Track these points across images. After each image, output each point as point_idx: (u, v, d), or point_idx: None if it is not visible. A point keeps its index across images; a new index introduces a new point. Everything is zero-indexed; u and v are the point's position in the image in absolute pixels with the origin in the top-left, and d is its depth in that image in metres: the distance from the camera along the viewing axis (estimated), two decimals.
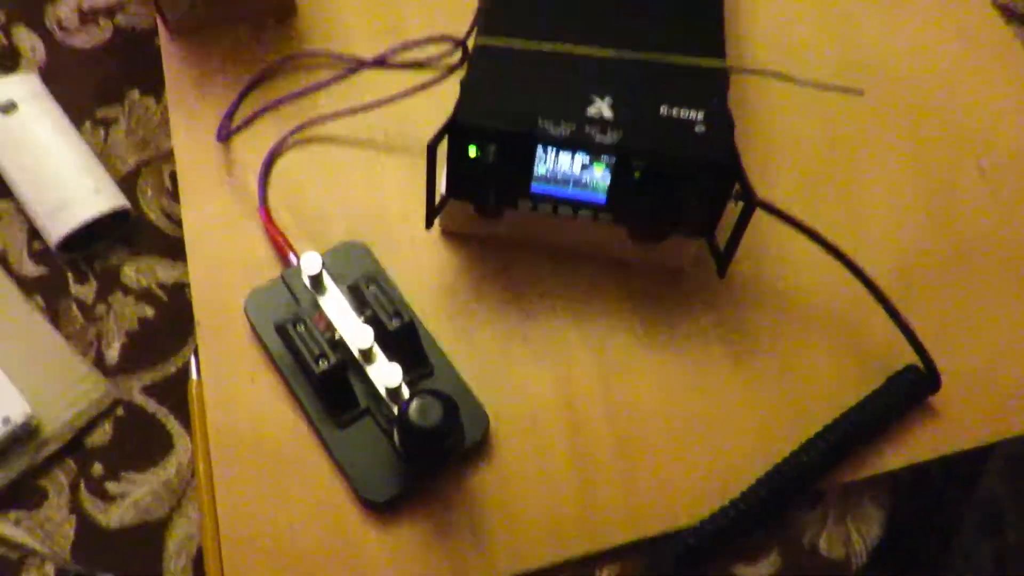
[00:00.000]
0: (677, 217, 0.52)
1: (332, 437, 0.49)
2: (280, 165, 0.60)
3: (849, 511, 0.52)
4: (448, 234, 0.58)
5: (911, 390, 0.52)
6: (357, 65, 0.64)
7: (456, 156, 0.51)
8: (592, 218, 0.53)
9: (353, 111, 0.61)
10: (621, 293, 0.56)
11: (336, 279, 0.52)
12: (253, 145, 0.60)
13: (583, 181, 0.52)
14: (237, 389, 0.52)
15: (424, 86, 0.60)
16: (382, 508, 0.48)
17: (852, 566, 0.50)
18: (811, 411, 0.53)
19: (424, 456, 0.48)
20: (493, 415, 0.52)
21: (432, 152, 0.49)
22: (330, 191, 0.59)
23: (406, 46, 0.63)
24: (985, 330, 0.56)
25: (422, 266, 0.57)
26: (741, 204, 0.50)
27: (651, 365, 0.54)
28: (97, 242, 0.57)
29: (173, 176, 0.61)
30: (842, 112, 0.65)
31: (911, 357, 0.53)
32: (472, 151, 0.51)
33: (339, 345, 0.50)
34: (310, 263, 0.50)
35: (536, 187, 0.52)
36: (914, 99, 0.66)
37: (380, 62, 0.64)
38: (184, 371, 0.54)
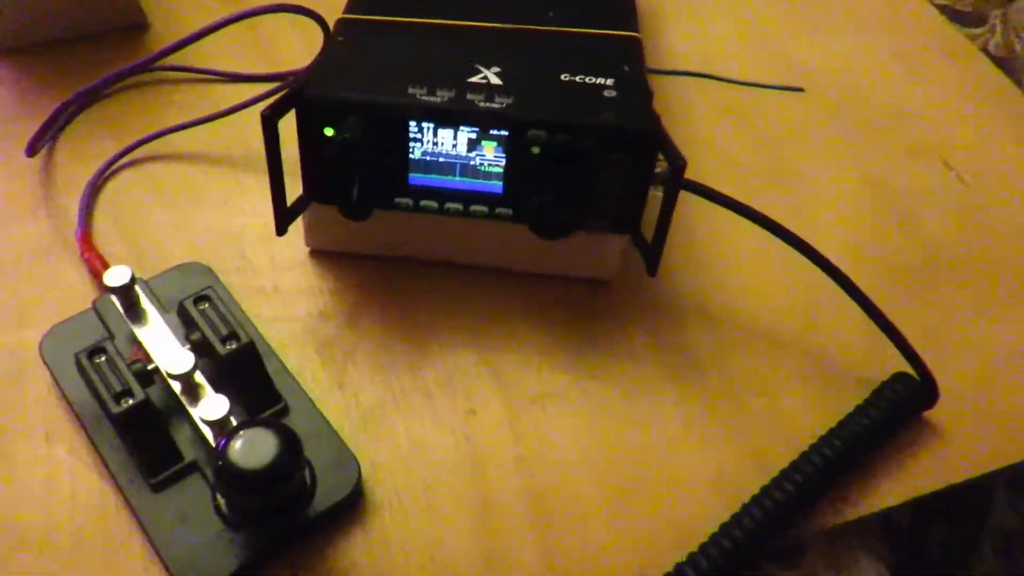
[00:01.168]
0: (588, 204, 0.42)
1: (143, 504, 0.36)
2: (114, 187, 0.49)
3: (841, 568, 0.40)
4: (316, 254, 0.47)
5: (905, 402, 0.41)
6: (214, 76, 0.54)
7: (309, 140, 0.41)
8: (488, 214, 0.43)
9: (203, 121, 0.51)
10: (532, 312, 0.46)
11: (163, 307, 0.40)
12: (81, 166, 0.50)
13: (472, 165, 0.41)
14: (24, 455, 0.39)
15: (283, 88, 0.51)
16: None
17: None
18: (775, 444, 0.41)
19: (258, 517, 0.35)
20: (369, 467, 0.39)
21: (270, 127, 0.39)
22: (174, 214, 0.48)
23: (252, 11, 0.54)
24: (974, 341, 0.46)
25: (283, 292, 0.46)
26: (665, 187, 0.40)
27: (572, 399, 0.43)
28: None
29: None
30: (779, 114, 0.57)
31: (893, 368, 0.43)
32: (328, 132, 0.40)
33: (154, 381, 0.38)
34: (116, 276, 0.38)
35: (415, 178, 0.42)
36: (857, 99, 0.58)
37: (241, 77, 0.54)
38: None
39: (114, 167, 0.50)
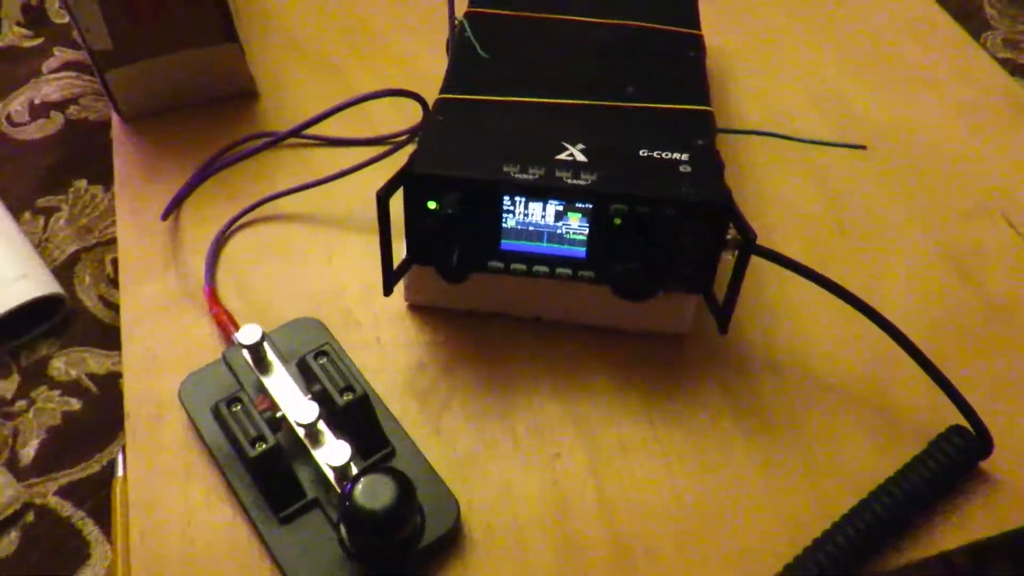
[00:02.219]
0: (665, 269, 0.46)
1: (272, 535, 0.41)
2: (231, 246, 0.55)
3: None
4: (414, 308, 0.52)
5: (959, 453, 0.44)
6: (319, 141, 0.60)
7: (414, 212, 0.46)
8: (572, 277, 0.47)
9: (308, 186, 0.56)
10: (613, 366, 0.50)
11: (284, 359, 0.46)
12: (203, 227, 0.56)
13: (559, 233, 0.46)
14: (167, 486, 0.45)
15: (384, 156, 0.56)
16: None
17: None
18: (840, 492, 0.45)
19: (377, 551, 0.39)
20: (465, 506, 0.44)
21: (383, 204, 0.44)
22: (284, 271, 0.54)
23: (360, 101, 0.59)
24: None
25: (385, 344, 0.50)
26: (737, 253, 0.44)
27: (650, 448, 0.47)
28: (27, 334, 0.52)
29: (115, 263, 0.55)
30: (844, 171, 0.60)
31: (951, 421, 0.46)
32: (431, 205, 0.45)
33: (281, 427, 0.43)
34: (249, 334, 0.44)
35: (506, 244, 0.47)
36: (919, 155, 0.61)
37: (343, 141, 0.60)
38: (108, 470, 0.46)
39: (231, 229, 0.56)
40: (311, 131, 0.60)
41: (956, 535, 0.43)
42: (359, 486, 0.36)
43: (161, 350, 0.50)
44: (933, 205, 0.58)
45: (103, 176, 0.59)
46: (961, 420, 0.45)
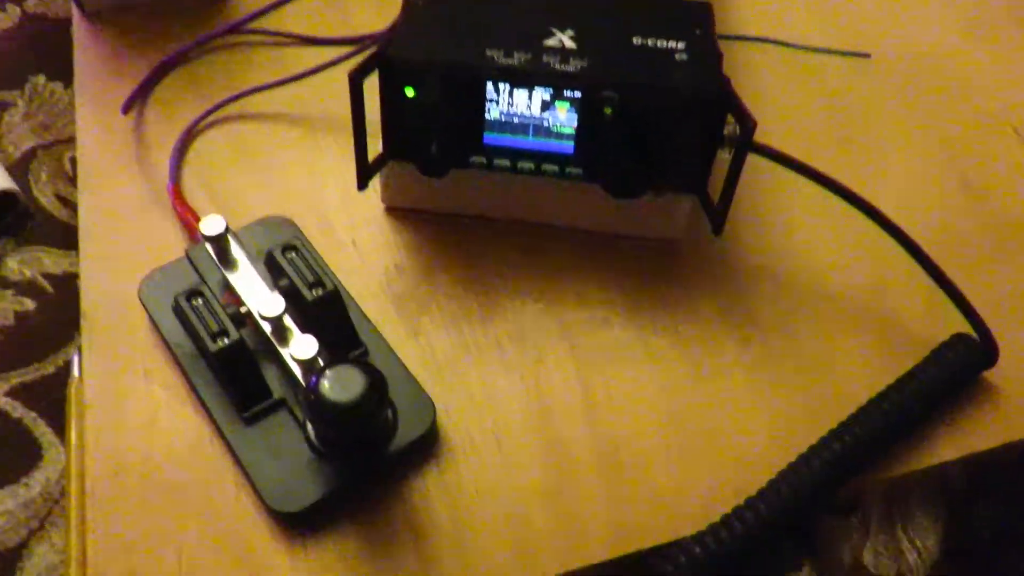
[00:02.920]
0: (659, 165, 0.43)
1: (237, 437, 0.39)
2: (198, 146, 0.52)
3: (897, 519, 0.41)
4: (392, 211, 0.49)
5: (963, 361, 0.42)
6: (292, 39, 0.56)
7: (390, 100, 0.43)
8: (559, 174, 0.44)
9: (283, 83, 0.53)
10: (601, 271, 0.47)
11: (251, 256, 0.43)
12: (169, 125, 0.52)
13: (545, 126, 0.43)
14: (126, 388, 0.42)
15: (359, 52, 0.53)
16: (297, 522, 0.38)
17: None
18: (836, 400, 0.43)
19: (347, 450, 0.37)
20: (444, 412, 0.42)
21: (356, 85, 0.41)
22: (254, 172, 0.51)
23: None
24: None
25: (361, 247, 0.48)
26: (734, 149, 0.42)
27: (639, 355, 0.44)
28: None
29: (74, 162, 0.52)
30: (846, 81, 0.57)
31: (954, 331, 0.44)
32: (409, 92, 0.42)
33: (246, 323, 0.40)
34: (212, 225, 0.41)
35: (490, 137, 0.44)
36: (926, 65, 0.58)
37: (318, 40, 0.56)
38: (64, 372, 0.44)
39: (199, 127, 0.52)
40: (285, 28, 0.57)
41: (957, 446, 0.42)
42: (326, 376, 0.34)
43: (121, 250, 0.47)
44: (938, 117, 0.55)
45: (63, 73, 0.55)
46: (966, 329, 0.43)
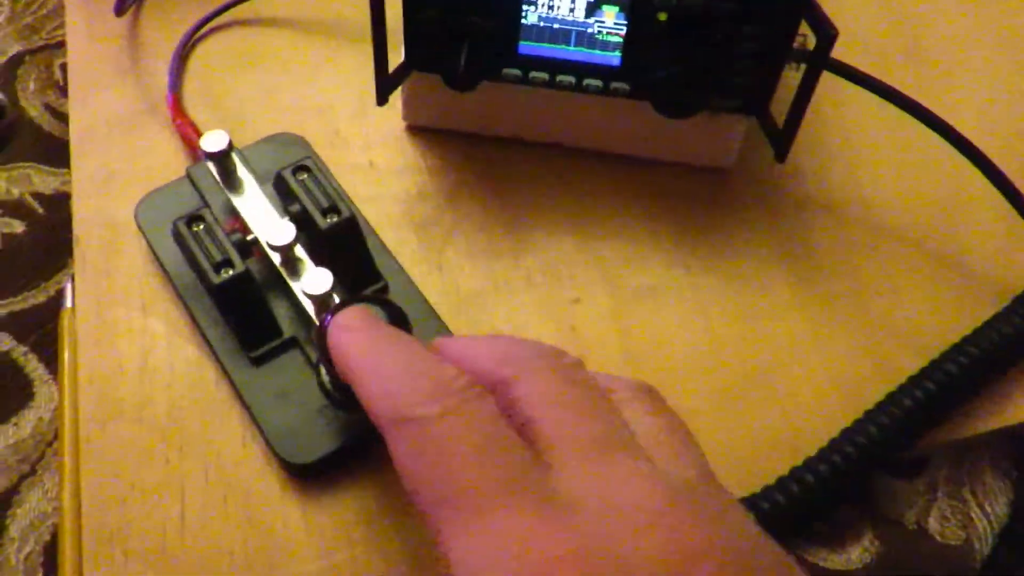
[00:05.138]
0: (718, 78, 0.38)
1: (243, 379, 0.35)
2: (201, 53, 0.47)
3: (965, 482, 0.38)
4: (414, 130, 0.45)
5: None
6: None
7: (414, 2, 0.38)
8: (603, 90, 0.39)
9: None
10: (644, 200, 0.43)
11: (259, 177, 0.39)
12: (169, 29, 0.47)
13: (590, 33, 0.38)
14: (122, 321, 0.38)
15: None
16: (310, 473, 0.34)
17: (976, 554, 0.36)
18: (900, 351, 0.38)
19: None
20: None
21: None
22: (262, 83, 0.46)
23: None
24: None
25: (380, 169, 0.43)
26: (803, 67, 0.37)
27: (685, 295, 0.40)
28: None
29: (65, 69, 0.47)
30: None
31: None
32: None
33: (252, 253, 0.36)
34: (214, 141, 0.36)
35: (525, 47, 0.39)
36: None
37: None
38: (56, 301, 0.40)
39: (200, 32, 0.47)
40: None
41: None
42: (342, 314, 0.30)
43: (117, 167, 0.43)
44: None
45: None
46: None
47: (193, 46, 0.47)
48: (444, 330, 0.37)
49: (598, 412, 0.23)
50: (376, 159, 0.44)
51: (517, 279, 0.40)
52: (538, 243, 0.41)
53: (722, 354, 0.39)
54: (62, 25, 0.48)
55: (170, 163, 0.43)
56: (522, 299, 0.40)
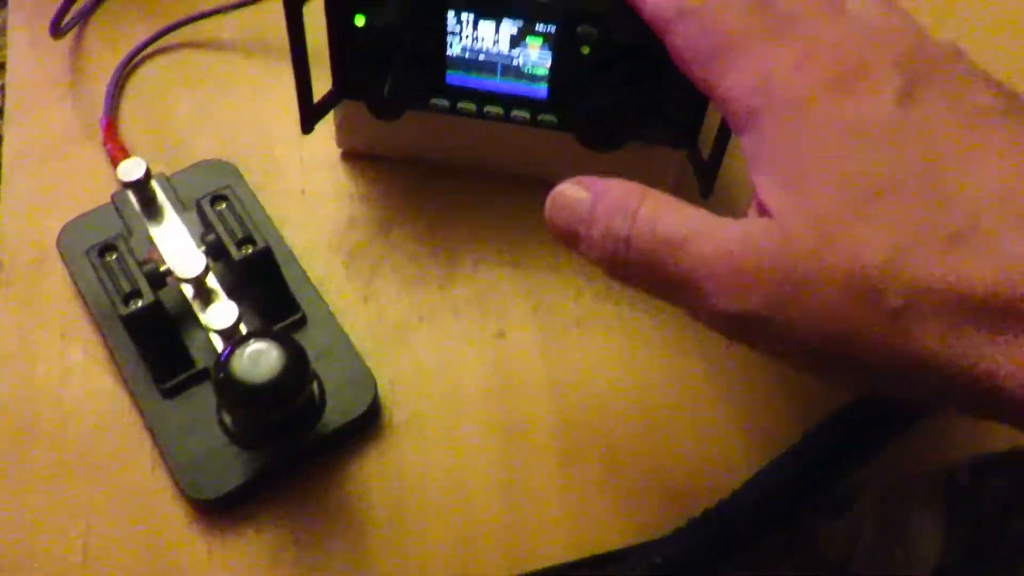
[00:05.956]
0: (645, 112, 0.37)
1: (152, 410, 0.35)
2: (142, 74, 0.47)
3: (892, 521, 0.37)
4: (350, 155, 0.44)
5: None
6: None
7: (339, 28, 0.37)
8: (530, 121, 0.39)
9: (242, 5, 0.47)
10: None
11: (183, 204, 0.38)
12: (112, 50, 0.47)
13: (515, 66, 0.37)
14: (40, 347, 0.38)
15: None
16: (215, 509, 0.34)
17: None
18: (821, 393, 0.38)
19: (264, 435, 0.33)
20: (389, 386, 0.37)
21: (292, 9, 0.35)
22: (202, 106, 0.46)
23: None
24: None
25: (311, 195, 0.43)
26: None
27: (611, 328, 0.40)
28: None
29: (4, 91, 0.47)
30: None
31: None
32: (359, 21, 0.37)
33: (165, 283, 0.36)
34: (130, 169, 0.36)
35: (452, 76, 0.38)
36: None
37: None
38: None
39: (144, 53, 0.47)
40: None
41: (961, 445, 0.37)
42: (238, 352, 0.29)
43: (48, 190, 0.43)
44: None
45: None
46: None
47: (135, 67, 0.47)
48: (360, 366, 0.36)
49: None
50: (309, 185, 0.43)
51: (445, 310, 0.40)
52: (467, 273, 0.41)
53: (647, 390, 0.38)
54: (4, 48, 0.48)
55: (103, 187, 0.43)
56: (449, 331, 0.39)
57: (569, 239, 0.29)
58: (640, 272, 0.27)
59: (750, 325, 0.25)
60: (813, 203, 0.24)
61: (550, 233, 0.30)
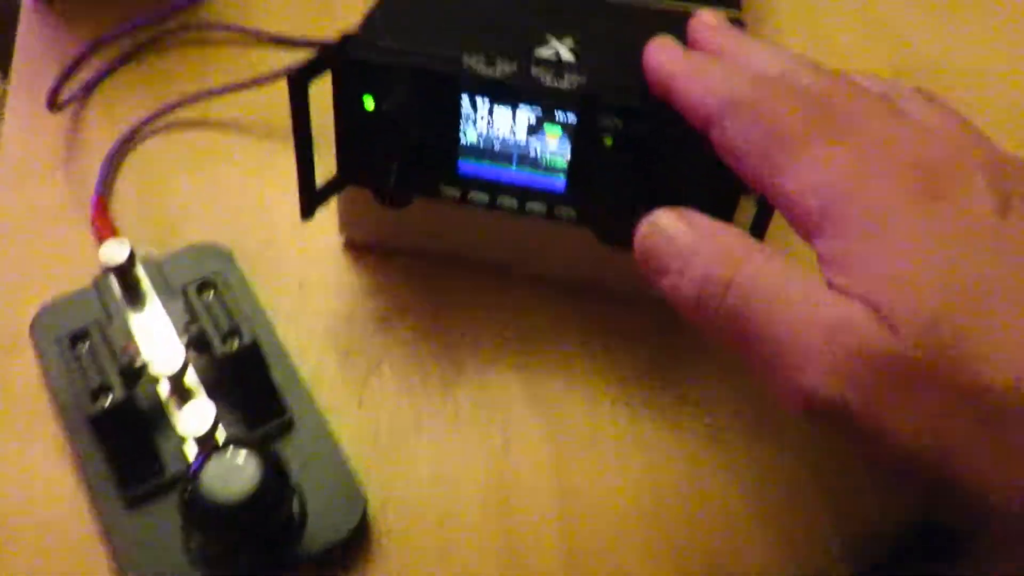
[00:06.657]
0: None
1: (112, 520, 0.31)
2: (141, 152, 0.45)
3: None
4: (353, 244, 0.41)
5: None
6: (259, 37, 0.49)
7: (346, 111, 0.35)
8: (546, 215, 0.36)
9: (244, 86, 0.45)
10: (591, 335, 0.39)
11: (169, 291, 0.35)
12: (112, 126, 0.45)
13: (532, 155, 0.35)
14: (4, 442, 0.35)
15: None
16: None
17: None
18: (866, 520, 0.34)
19: (232, 557, 0.29)
20: (380, 501, 0.34)
21: (298, 89, 0.33)
22: (200, 187, 0.44)
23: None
24: None
25: (309, 287, 0.40)
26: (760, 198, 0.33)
27: (628, 441, 0.36)
28: None
29: None
30: None
31: None
32: (368, 103, 0.35)
33: (141, 378, 0.32)
34: (113, 252, 0.33)
35: (465, 165, 0.36)
36: (985, 94, 0.49)
37: (292, 41, 0.49)
38: None
39: (145, 130, 0.45)
40: (257, 24, 0.50)
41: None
42: (210, 466, 0.26)
43: (29, 268, 0.40)
44: None
45: (4, 63, 0.49)
46: None
47: (135, 145, 0.45)
48: (349, 480, 0.32)
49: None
50: (307, 274, 0.40)
51: (445, 416, 0.36)
52: (472, 377, 0.38)
53: (664, 512, 0.34)
54: (2, 119, 0.46)
55: (90, 267, 0.40)
56: (449, 439, 0.36)
57: (656, 271, 0.27)
58: (727, 321, 0.25)
59: (831, 409, 0.23)
60: (925, 307, 0.22)
61: (635, 257, 0.28)
